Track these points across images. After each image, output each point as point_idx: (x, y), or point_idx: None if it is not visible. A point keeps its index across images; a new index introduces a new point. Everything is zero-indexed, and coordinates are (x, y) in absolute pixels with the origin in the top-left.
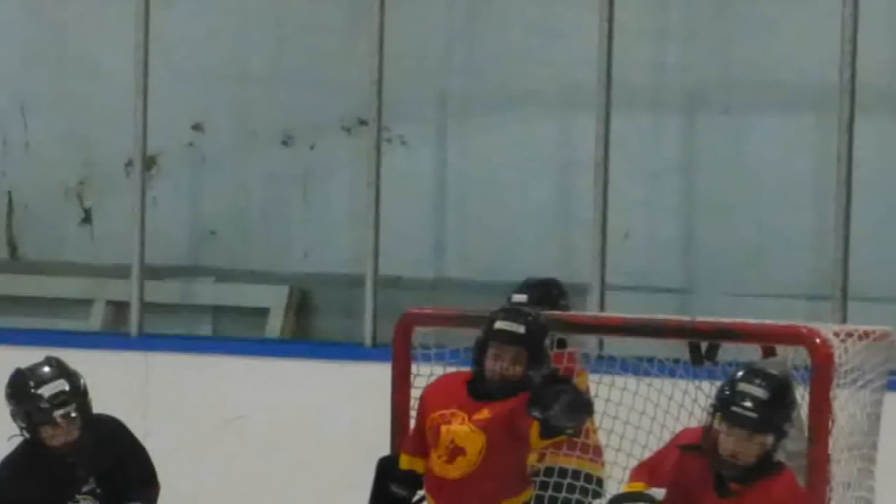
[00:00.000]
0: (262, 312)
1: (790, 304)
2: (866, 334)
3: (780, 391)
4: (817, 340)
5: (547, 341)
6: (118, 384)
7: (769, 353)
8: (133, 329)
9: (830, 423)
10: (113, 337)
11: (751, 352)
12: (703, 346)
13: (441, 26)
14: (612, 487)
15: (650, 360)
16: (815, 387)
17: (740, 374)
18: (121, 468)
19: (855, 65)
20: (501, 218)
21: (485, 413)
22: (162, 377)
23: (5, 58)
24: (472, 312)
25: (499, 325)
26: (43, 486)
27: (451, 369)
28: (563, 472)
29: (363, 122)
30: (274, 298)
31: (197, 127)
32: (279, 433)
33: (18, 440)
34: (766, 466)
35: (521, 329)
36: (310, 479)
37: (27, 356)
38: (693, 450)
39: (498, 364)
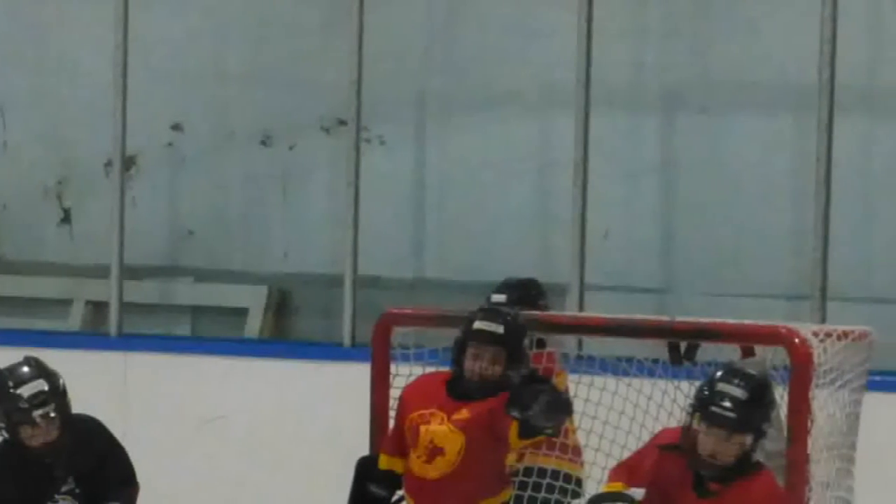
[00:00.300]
0: (241, 312)
1: (769, 304)
2: (845, 334)
3: (759, 391)
4: (796, 340)
5: (526, 341)
6: (97, 384)
7: (748, 353)
8: (112, 329)
9: (809, 423)
10: (92, 337)
11: (730, 352)
12: (682, 346)
13: (420, 27)
14: (592, 487)
15: (629, 360)
16: (794, 387)
17: (719, 374)
18: (100, 468)
19: (834, 65)
20: (480, 218)
21: (464, 413)
22: (141, 377)
23: None
24: (451, 312)
25: (478, 325)
26: (22, 486)
27: (430, 369)
28: (542, 472)
29: (342, 123)
30: (253, 298)
31: (176, 127)
32: (258, 433)
33: None
34: (745, 466)
35: (500, 329)
36: (289, 478)
37: (6, 356)
38: (672, 450)
39: (477, 364)
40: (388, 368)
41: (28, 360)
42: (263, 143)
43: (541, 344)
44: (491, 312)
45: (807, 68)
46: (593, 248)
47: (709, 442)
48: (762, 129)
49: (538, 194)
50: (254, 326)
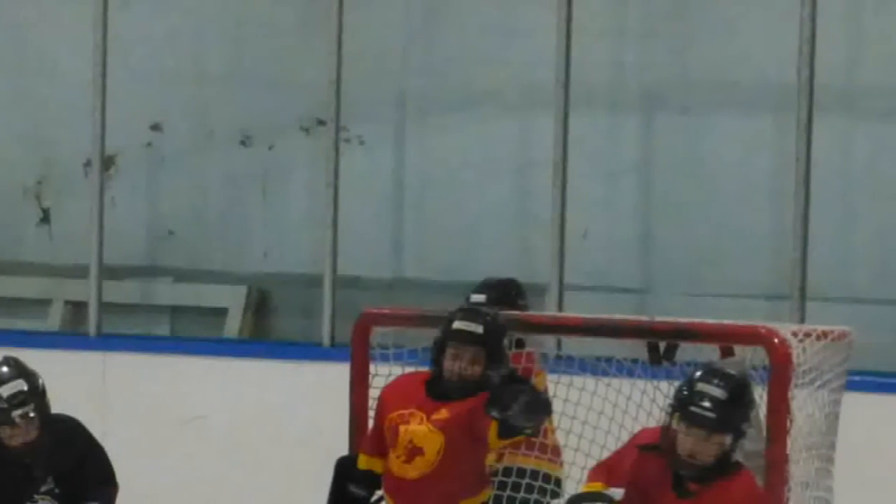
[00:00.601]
0: (221, 312)
1: (748, 304)
2: (825, 334)
3: (739, 391)
4: (776, 340)
5: (505, 341)
6: (76, 384)
7: (727, 353)
8: (91, 329)
9: (789, 423)
10: (71, 337)
11: (709, 352)
12: (662, 346)
13: (399, 27)
14: (571, 487)
15: (608, 360)
16: (774, 387)
17: (698, 374)
18: (79, 468)
19: (813, 65)
20: (460, 218)
21: (443, 413)
22: (120, 377)
23: None
24: (430, 312)
25: (457, 325)
26: (1, 486)
27: (409, 369)
28: (521, 472)
29: (322, 123)
30: (232, 298)
31: (155, 127)
32: (238, 433)
33: None
34: (724, 466)
35: (480, 329)
36: (268, 478)
37: None
38: (651, 450)
39: (456, 364)
40: (367, 368)
41: (7, 360)
42: (243, 143)
43: (520, 344)
44: (470, 312)
45: (786, 68)
46: (572, 247)
47: (688, 442)
48: (741, 128)
49: (517, 194)
50: (233, 326)
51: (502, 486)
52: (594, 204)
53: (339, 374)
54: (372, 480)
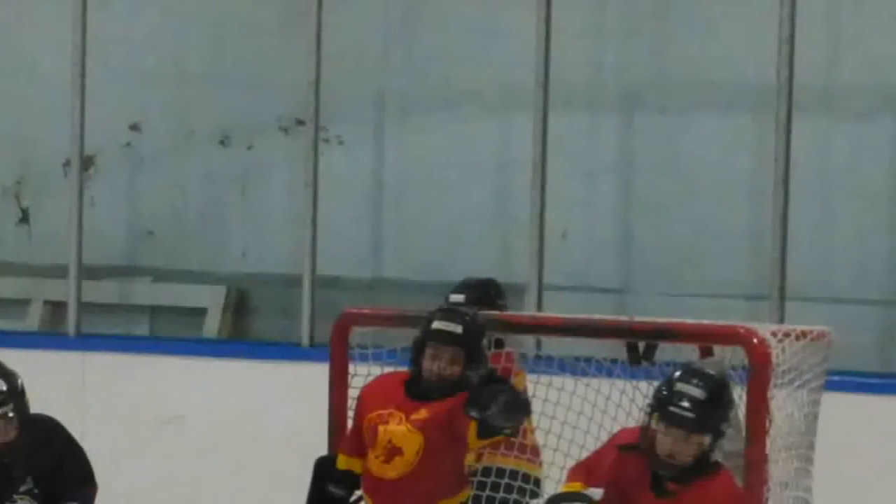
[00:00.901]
0: (200, 312)
1: (728, 304)
2: (804, 334)
3: (718, 391)
4: (755, 340)
5: (484, 341)
6: (56, 384)
7: (707, 353)
8: (70, 329)
9: (768, 423)
10: (50, 337)
11: (688, 352)
12: (641, 346)
13: (379, 27)
14: (550, 487)
15: (588, 360)
16: (753, 387)
17: (678, 374)
18: (58, 468)
19: (792, 65)
20: (439, 218)
21: (422, 413)
22: (99, 377)
23: None
24: (409, 312)
25: (436, 325)
26: None
27: (388, 369)
28: (500, 472)
29: (301, 123)
30: (211, 298)
31: (134, 127)
32: (217, 433)
33: None
34: (703, 466)
35: (459, 329)
36: (247, 478)
37: None
38: (631, 450)
39: (436, 364)
40: (346, 368)
41: None
42: (222, 143)
43: (499, 344)
44: (449, 312)
45: (765, 68)
46: (552, 247)
47: (667, 442)
48: (721, 128)
49: (497, 194)
50: (212, 326)
51: (481, 486)
52: (573, 204)
53: (318, 374)
54: (351, 480)
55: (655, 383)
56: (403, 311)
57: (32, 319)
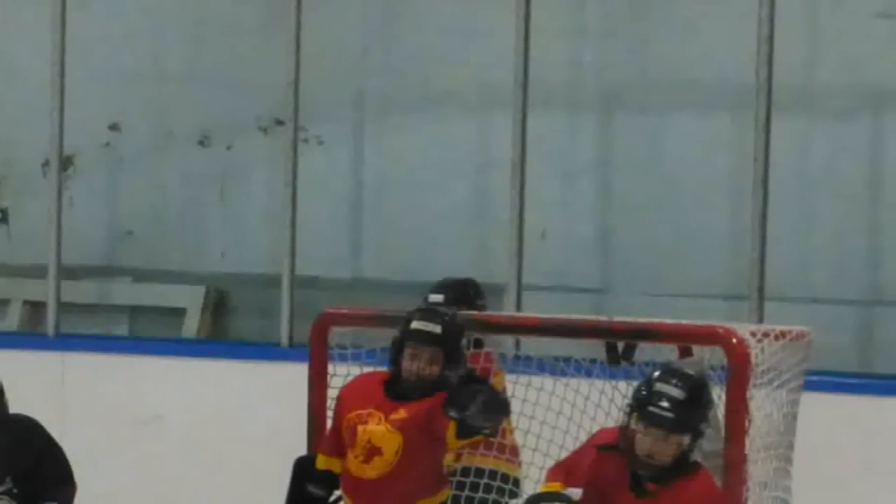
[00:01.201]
0: (179, 312)
1: (707, 304)
2: (783, 334)
3: (697, 391)
4: (734, 340)
5: (463, 341)
6: (35, 384)
7: (686, 353)
8: (50, 329)
9: (747, 423)
10: (29, 337)
11: (667, 352)
12: (620, 346)
13: (358, 27)
14: (529, 487)
15: (567, 360)
16: (732, 387)
17: (657, 374)
18: (37, 468)
19: (771, 64)
20: (418, 218)
21: (401, 413)
22: (78, 377)
23: None
24: (388, 312)
25: (415, 325)
26: None
27: (367, 369)
28: (479, 472)
29: (280, 123)
30: (191, 298)
31: (114, 127)
32: (196, 433)
33: None
34: (682, 466)
35: (438, 329)
36: (227, 479)
37: None
38: (610, 449)
39: (415, 364)
40: (325, 368)
41: None
42: (201, 143)
43: (478, 344)
44: (429, 312)
45: (744, 68)
46: (531, 247)
47: (647, 442)
48: (700, 128)
49: (476, 194)
50: (191, 326)
51: (460, 486)
52: (552, 204)
53: (297, 374)
54: (330, 480)
55: (634, 383)
56: (382, 311)
57: (12, 319)
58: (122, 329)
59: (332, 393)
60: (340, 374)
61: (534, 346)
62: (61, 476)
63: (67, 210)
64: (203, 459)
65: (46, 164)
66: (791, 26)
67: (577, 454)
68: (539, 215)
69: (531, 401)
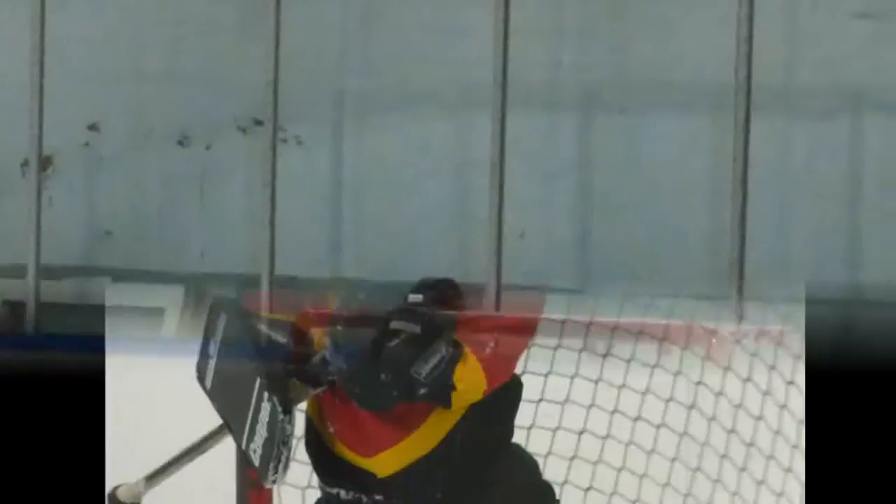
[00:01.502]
0: (158, 312)
1: (686, 304)
2: (763, 334)
3: None
4: (713, 340)
5: None
6: None
7: None
8: (29, 329)
9: None
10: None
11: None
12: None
13: (337, 26)
14: None
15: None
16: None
17: None
18: None
19: (751, 64)
20: (397, 218)
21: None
22: None
23: None
24: (367, 312)
25: (394, 325)
26: None
27: None
28: None
29: (259, 122)
30: (170, 298)
31: (93, 127)
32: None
33: None
34: None
35: (417, 329)
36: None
37: None
38: None
39: None
40: None
41: None
42: (180, 143)
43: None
44: (407, 312)
45: (724, 68)
46: (510, 247)
47: None
48: (679, 128)
49: (455, 194)
50: (171, 326)
51: None
52: (532, 204)
53: None
54: None
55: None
56: (361, 311)
57: None
58: (100, 329)
59: None
60: None
61: None
62: None
63: (46, 210)
64: None
65: (25, 164)
66: (770, 26)
67: None
68: (518, 215)
69: None
